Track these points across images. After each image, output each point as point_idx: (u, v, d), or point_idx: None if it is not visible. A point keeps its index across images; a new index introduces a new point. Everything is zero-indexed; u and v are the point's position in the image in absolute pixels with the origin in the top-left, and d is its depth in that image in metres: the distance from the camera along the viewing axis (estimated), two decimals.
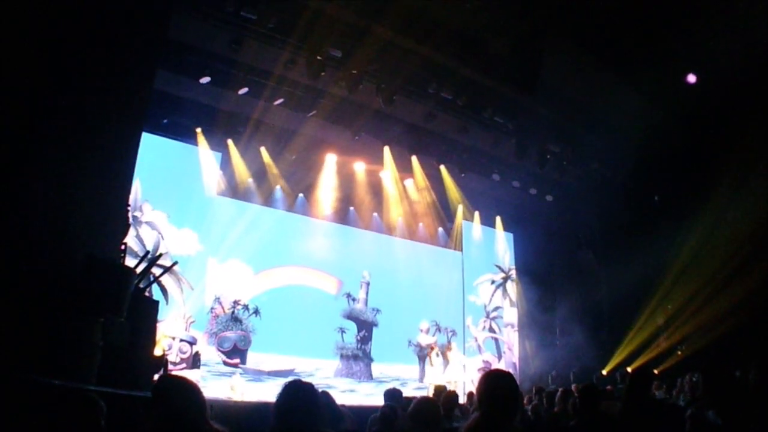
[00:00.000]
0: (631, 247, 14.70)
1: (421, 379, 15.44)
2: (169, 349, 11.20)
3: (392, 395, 7.21)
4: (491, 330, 17.80)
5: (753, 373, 4.13)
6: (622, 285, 15.02)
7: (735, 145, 12.07)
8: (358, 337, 15.07)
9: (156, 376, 6.30)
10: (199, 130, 13.06)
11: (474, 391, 11.33)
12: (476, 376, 16.24)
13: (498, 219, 18.45)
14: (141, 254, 9.30)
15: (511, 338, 17.98)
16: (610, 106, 12.86)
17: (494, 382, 3.30)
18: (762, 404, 3.93)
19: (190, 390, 3.32)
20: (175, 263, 8.37)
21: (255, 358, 13.16)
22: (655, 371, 13.14)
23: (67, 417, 3.05)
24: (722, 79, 11.64)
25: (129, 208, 7.24)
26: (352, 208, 15.82)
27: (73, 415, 3.06)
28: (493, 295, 18.20)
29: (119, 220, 6.42)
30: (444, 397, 6.73)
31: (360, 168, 15.33)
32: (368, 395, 14.06)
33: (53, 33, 5.23)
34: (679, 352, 13.90)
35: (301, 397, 3.25)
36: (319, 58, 10.95)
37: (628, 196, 15.61)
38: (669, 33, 10.67)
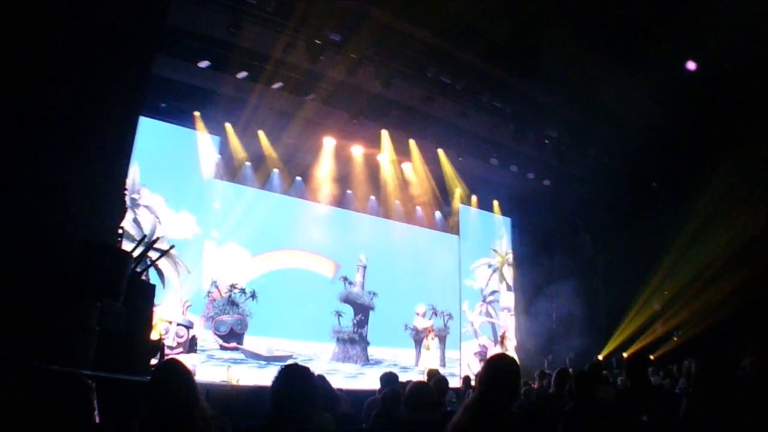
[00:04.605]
0: (629, 232, 14.74)
1: (417, 363, 15.50)
2: (166, 333, 11.22)
3: (388, 379, 7.20)
4: (488, 314, 17.85)
5: (749, 359, 4.14)
6: (619, 270, 15.09)
7: (733, 131, 12.08)
8: (355, 321, 15.09)
9: (153, 361, 6.33)
10: (197, 113, 13.01)
11: (470, 375, 11.42)
12: (473, 361, 16.34)
13: (495, 203, 18.44)
14: (138, 238, 9.33)
15: (507, 323, 18.04)
16: (609, 92, 12.82)
17: (498, 364, 3.40)
18: (758, 390, 3.95)
19: (182, 374, 3.33)
20: (172, 247, 8.42)
21: (252, 342, 13.19)
22: (651, 357, 13.20)
23: (56, 398, 3.04)
24: (722, 66, 11.62)
25: (126, 192, 7.24)
26: (349, 192, 15.79)
27: (62, 396, 3.05)
28: (489, 280, 18.23)
29: (116, 204, 6.42)
30: (435, 381, 6.73)
31: (358, 151, 15.29)
32: (364, 378, 14.12)
33: (51, 18, 5.19)
34: (676, 338, 13.97)
35: (297, 381, 3.25)
36: (317, 41, 10.89)
37: (626, 182, 15.60)
38: (668, 19, 10.62)
